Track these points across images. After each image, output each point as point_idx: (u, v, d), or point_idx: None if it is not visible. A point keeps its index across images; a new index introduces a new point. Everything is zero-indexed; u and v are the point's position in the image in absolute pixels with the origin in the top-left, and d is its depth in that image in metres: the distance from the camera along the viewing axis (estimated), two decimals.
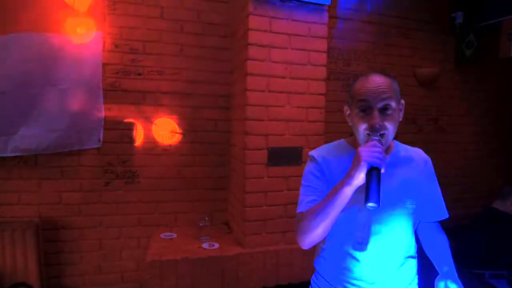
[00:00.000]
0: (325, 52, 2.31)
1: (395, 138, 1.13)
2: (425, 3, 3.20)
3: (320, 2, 2.20)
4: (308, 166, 1.17)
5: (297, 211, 1.11)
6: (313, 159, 1.16)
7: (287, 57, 2.21)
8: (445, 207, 1.21)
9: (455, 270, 1.09)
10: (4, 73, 2.24)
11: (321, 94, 2.30)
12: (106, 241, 2.56)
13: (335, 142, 1.22)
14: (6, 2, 2.25)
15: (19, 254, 2.25)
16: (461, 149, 3.55)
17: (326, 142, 1.27)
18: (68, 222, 2.48)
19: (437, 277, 1.08)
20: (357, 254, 1.10)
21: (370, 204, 0.90)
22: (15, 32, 2.24)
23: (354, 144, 1.15)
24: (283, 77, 2.21)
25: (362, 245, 1.09)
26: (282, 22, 2.18)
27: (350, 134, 1.18)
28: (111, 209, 2.55)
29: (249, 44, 2.13)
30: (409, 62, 3.22)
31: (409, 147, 1.23)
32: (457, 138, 3.52)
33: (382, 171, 0.93)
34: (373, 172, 0.92)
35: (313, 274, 1.27)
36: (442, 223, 1.23)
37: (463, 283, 1.04)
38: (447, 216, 1.21)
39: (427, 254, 1.22)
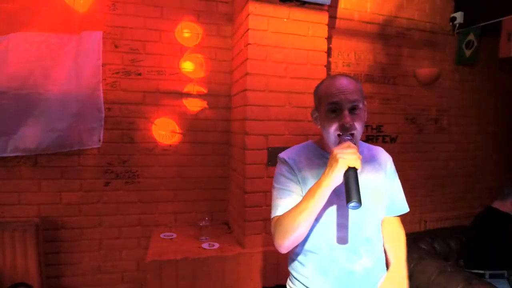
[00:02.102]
0: (325, 52, 2.31)
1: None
2: (425, 3, 3.20)
3: (320, 2, 2.20)
4: (280, 169, 1.16)
5: (273, 215, 1.10)
6: (284, 161, 1.16)
7: (287, 57, 2.21)
8: (405, 201, 1.26)
9: (404, 271, 1.17)
10: (4, 73, 2.24)
11: None
12: (106, 241, 2.56)
13: (303, 144, 1.23)
14: (6, 2, 2.25)
15: (19, 254, 2.25)
16: (461, 149, 3.54)
17: None
18: (68, 222, 2.48)
19: (385, 275, 1.14)
20: (337, 254, 1.09)
21: (352, 204, 0.90)
22: (15, 32, 2.24)
23: (323, 146, 1.16)
24: (283, 77, 2.21)
25: (343, 244, 1.09)
26: (282, 22, 2.18)
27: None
28: (111, 209, 2.55)
29: (249, 44, 2.13)
30: (409, 62, 3.21)
31: (371, 146, 1.25)
32: (457, 138, 3.52)
33: (359, 170, 0.94)
34: (350, 172, 0.93)
35: (288, 279, 1.25)
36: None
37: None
38: (408, 209, 1.26)
39: (384, 246, 1.25)
